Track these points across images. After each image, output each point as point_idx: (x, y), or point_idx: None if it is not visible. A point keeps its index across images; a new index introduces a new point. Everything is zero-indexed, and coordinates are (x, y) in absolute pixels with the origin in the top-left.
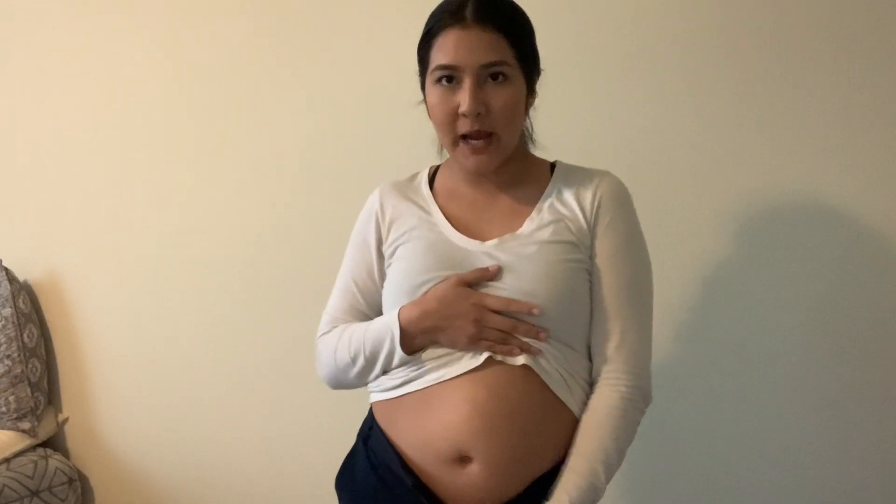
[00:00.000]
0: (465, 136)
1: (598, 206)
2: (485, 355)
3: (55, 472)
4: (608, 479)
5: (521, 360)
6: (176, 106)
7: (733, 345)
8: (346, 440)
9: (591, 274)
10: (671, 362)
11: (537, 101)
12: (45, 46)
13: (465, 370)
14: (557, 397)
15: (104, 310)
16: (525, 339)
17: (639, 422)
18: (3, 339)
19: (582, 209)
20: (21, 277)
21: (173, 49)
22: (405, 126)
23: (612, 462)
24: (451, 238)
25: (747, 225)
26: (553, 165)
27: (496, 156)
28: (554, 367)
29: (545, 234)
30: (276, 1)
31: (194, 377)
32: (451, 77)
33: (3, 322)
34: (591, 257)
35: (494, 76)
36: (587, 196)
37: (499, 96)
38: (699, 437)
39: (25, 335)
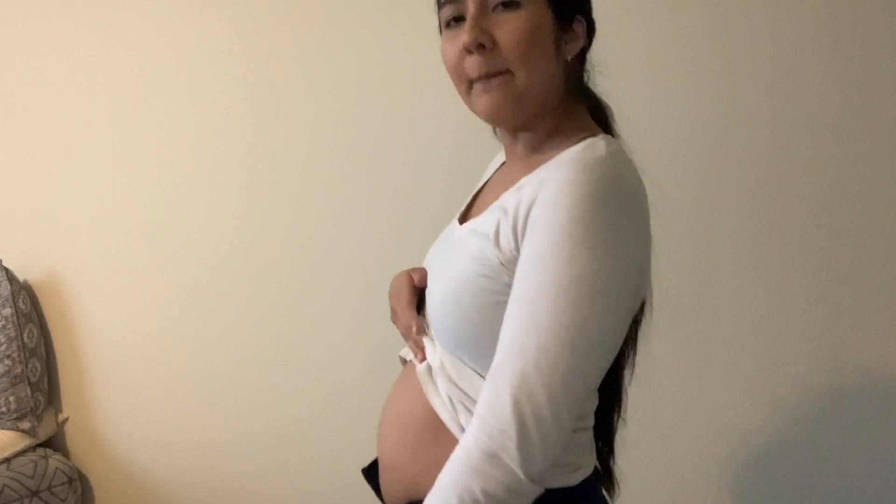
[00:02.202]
0: (477, 80)
1: (532, 205)
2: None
3: (55, 472)
4: None
5: (420, 365)
6: (177, 105)
7: (734, 345)
8: (347, 440)
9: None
10: (668, 362)
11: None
12: (44, 47)
13: (407, 359)
14: (438, 414)
15: (104, 310)
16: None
17: (493, 496)
18: (3, 339)
19: (518, 207)
20: (21, 277)
21: (175, 47)
22: (406, 125)
23: None
24: (453, 221)
25: (748, 222)
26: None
27: (511, 98)
28: (444, 381)
29: (476, 225)
30: None
31: (194, 377)
32: (459, 16)
33: (3, 322)
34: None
35: (506, 4)
36: (530, 194)
37: (507, 23)
38: (698, 437)
39: (25, 335)
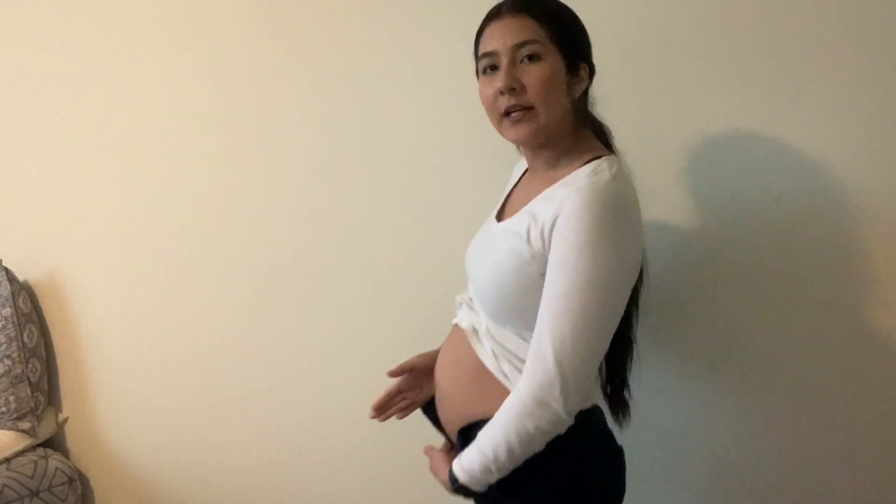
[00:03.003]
0: (507, 113)
1: (556, 218)
2: (455, 319)
3: (55, 472)
4: (499, 469)
5: (467, 328)
6: (176, 105)
7: (734, 345)
8: (347, 442)
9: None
10: (670, 362)
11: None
12: (45, 47)
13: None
14: (484, 364)
15: (104, 310)
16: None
17: (542, 430)
18: (3, 339)
19: (545, 217)
20: (21, 277)
21: (175, 47)
22: (407, 127)
23: (500, 454)
24: (491, 218)
25: (746, 223)
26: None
27: (535, 128)
28: (488, 341)
29: (511, 225)
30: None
31: (194, 377)
32: (494, 66)
33: (3, 322)
34: (547, 264)
35: (530, 57)
36: (554, 207)
37: (532, 73)
38: (698, 437)
39: (25, 335)
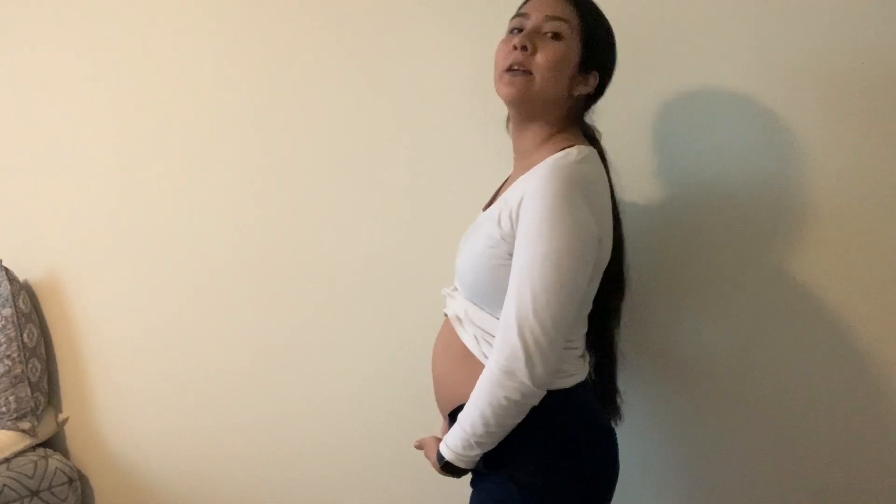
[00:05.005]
0: (509, 69)
1: (522, 199)
2: (445, 311)
3: (55, 472)
4: (479, 443)
5: (452, 316)
6: (177, 106)
7: (733, 345)
8: (349, 443)
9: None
10: (670, 362)
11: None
12: (44, 46)
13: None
14: (468, 348)
15: (104, 310)
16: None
17: (512, 400)
18: (3, 339)
19: (513, 201)
20: (21, 277)
21: (174, 47)
22: (407, 130)
23: (477, 427)
24: (480, 210)
25: (744, 222)
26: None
27: (525, 90)
28: (469, 326)
29: (489, 213)
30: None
31: (195, 377)
32: (521, 28)
33: (3, 322)
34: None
35: (554, 35)
36: (521, 189)
37: (548, 46)
38: (699, 436)
39: (25, 335)
